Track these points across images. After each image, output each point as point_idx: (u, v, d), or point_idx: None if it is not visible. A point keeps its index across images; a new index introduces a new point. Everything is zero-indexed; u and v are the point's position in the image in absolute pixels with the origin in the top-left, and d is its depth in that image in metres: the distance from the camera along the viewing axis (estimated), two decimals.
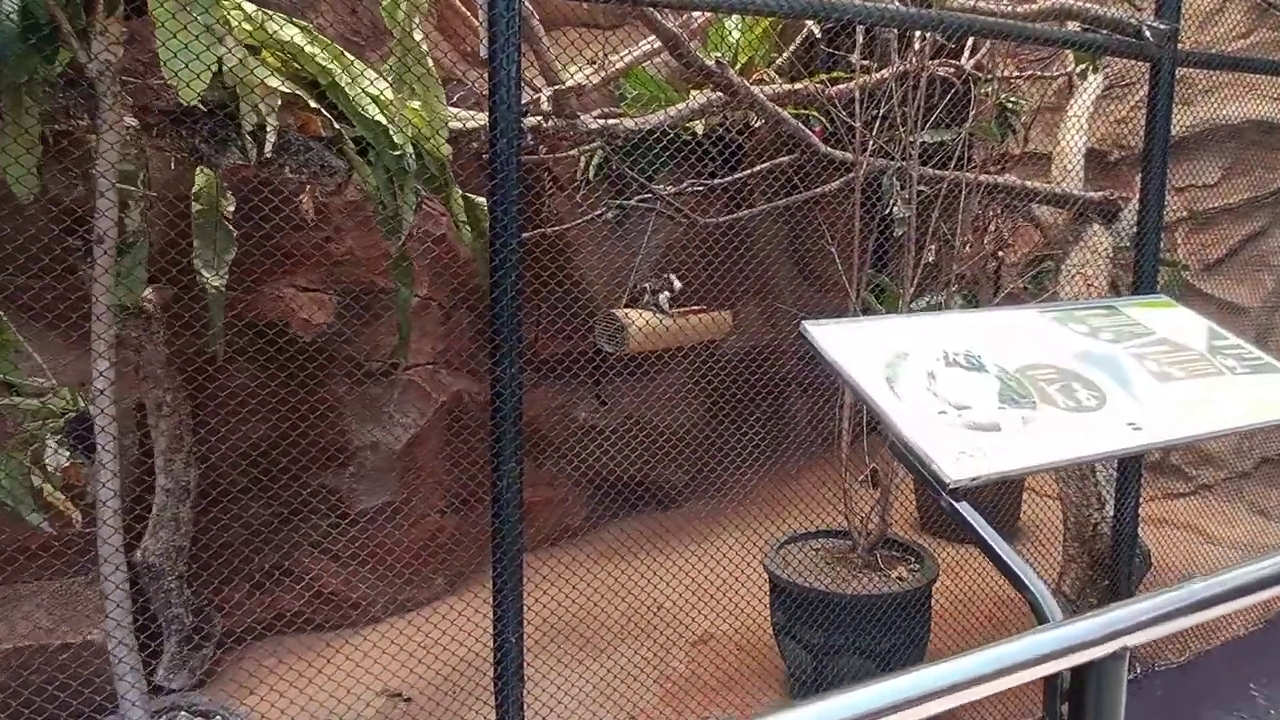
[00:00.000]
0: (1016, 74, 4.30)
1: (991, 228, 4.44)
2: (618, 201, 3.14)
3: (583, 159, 3.83)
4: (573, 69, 3.34)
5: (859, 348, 1.76)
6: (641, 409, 4.48)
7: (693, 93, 3.55)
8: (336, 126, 2.78)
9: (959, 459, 1.47)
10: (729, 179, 3.24)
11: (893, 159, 3.06)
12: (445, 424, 3.89)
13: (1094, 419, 1.67)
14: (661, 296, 3.49)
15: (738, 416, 4.27)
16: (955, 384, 1.68)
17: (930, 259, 3.76)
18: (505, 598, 1.89)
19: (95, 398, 1.92)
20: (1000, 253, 4.64)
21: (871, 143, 3.06)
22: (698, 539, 4.08)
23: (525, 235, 3.12)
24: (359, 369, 3.63)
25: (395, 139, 2.63)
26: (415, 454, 3.80)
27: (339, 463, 3.61)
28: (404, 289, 3.28)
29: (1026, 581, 1.31)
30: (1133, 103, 5.05)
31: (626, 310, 3.44)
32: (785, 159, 3.21)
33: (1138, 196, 3.61)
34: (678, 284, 3.48)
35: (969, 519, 1.41)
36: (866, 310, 3.47)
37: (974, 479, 1.45)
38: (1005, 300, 4.31)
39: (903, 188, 2.95)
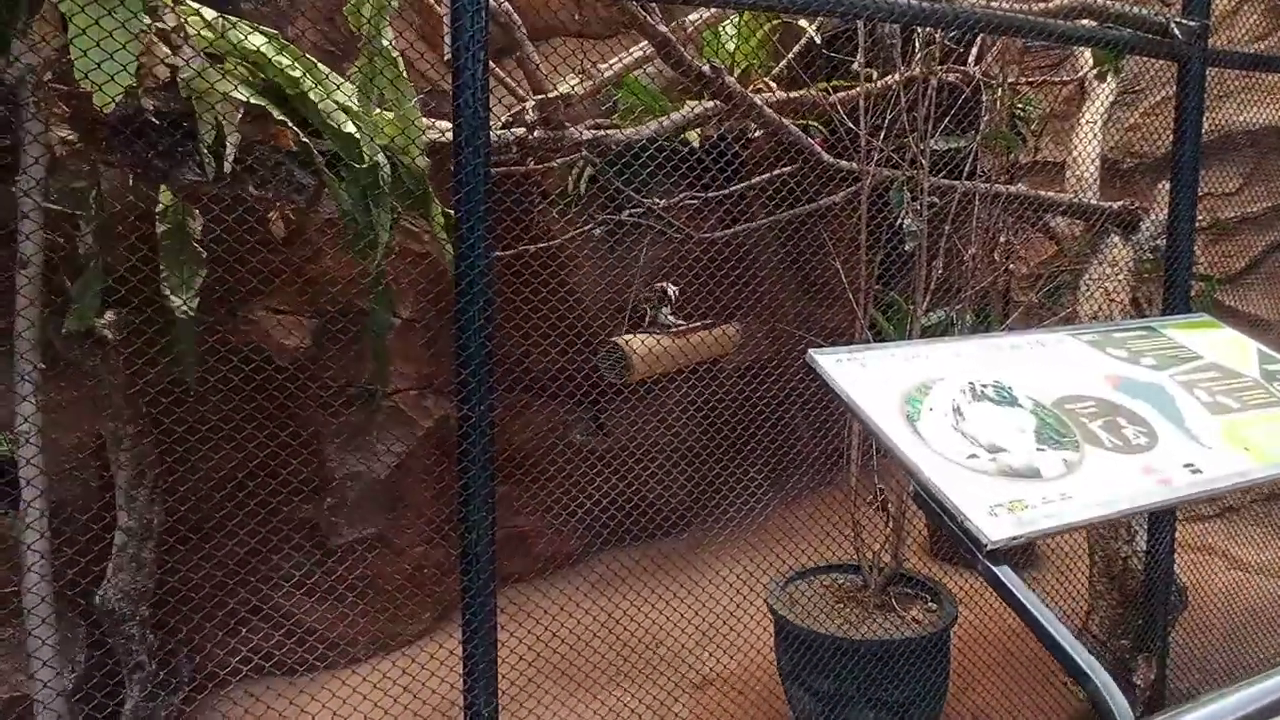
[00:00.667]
0: (1026, 80, 4.09)
1: (1001, 239, 4.23)
2: (603, 216, 2.93)
3: (573, 172, 3.64)
4: (560, 78, 3.14)
5: (873, 379, 1.54)
6: (640, 431, 4.26)
7: (688, 102, 3.36)
8: (304, 140, 2.58)
9: (996, 514, 1.25)
10: (724, 192, 3.02)
11: (900, 168, 2.84)
12: (431, 451, 3.67)
13: (1147, 461, 1.44)
14: (664, 312, 3.27)
15: (740, 438, 4.05)
16: (985, 421, 1.46)
17: (938, 273, 3.55)
18: (477, 663, 1.66)
19: (20, 440, 1.69)
20: (1012, 266, 4.43)
21: (877, 152, 2.84)
22: (699, 570, 3.86)
23: (503, 253, 2.91)
24: (339, 395, 3.41)
25: (367, 151, 2.42)
26: (399, 483, 3.58)
27: (317, 494, 3.39)
28: (380, 311, 3.07)
29: (1087, 670, 1.07)
30: (1143, 109, 4.85)
31: (628, 337, 3.23)
32: (785, 170, 2.99)
33: (1158, 206, 3.41)
34: (672, 290, 3.27)
35: (1011, 588, 1.18)
36: (874, 329, 3.25)
37: (1015, 538, 1.23)
38: (1020, 316, 4.10)
39: (913, 199, 2.73)
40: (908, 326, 3.09)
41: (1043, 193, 3.38)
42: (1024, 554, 4.17)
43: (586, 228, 3.02)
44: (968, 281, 3.03)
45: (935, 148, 2.86)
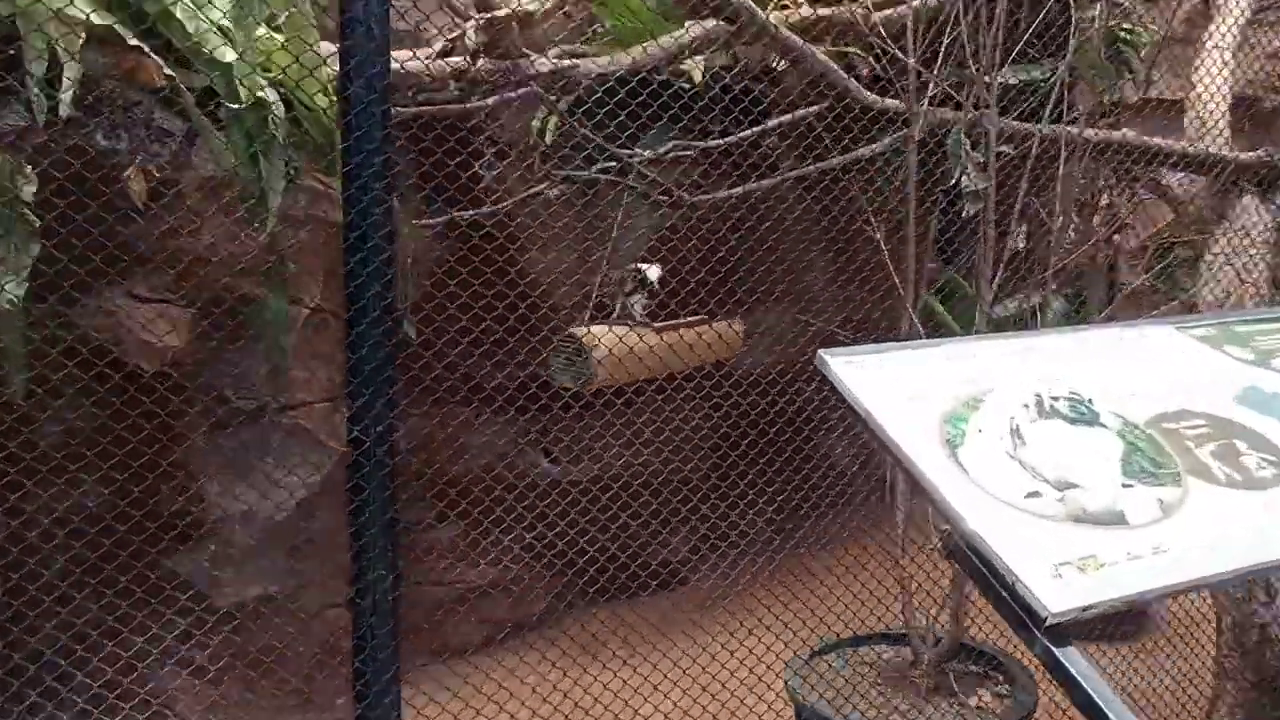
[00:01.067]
0: None
1: (1103, 202, 4.19)
2: (560, 172, 2.90)
3: (539, 116, 3.62)
4: None
5: (905, 390, 1.50)
6: (621, 455, 4.22)
7: (688, 24, 3.33)
8: (169, 72, 2.56)
9: (1061, 574, 1.21)
10: (723, 141, 2.99)
11: (962, 108, 2.81)
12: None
13: (1275, 500, 1.39)
14: (634, 301, 3.24)
15: (754, 465, 4.01)
16: (1054, 446, 1.42)
17: (1020, 246, 3.52)
18: None
19: None
20: (1116, 237, 4.39)
21: (932, 86, 2.81)
22: (696, 637, 3.83)
23: (433, 221, 2.88)
24: (224, 409, 3.38)
25: (249, 85, 2.39)
26: (306, 525, 3.55)
27: (194, 540, 3.35)
28: (276, 298, 3.05)
29: None
30: None
31: (591, 330, 3.19)
32: (808, 110, 2.97)
33: None
34: (654, 273, 3.23)
35: (1078, 678, 1.13)
36: (931, 321, 3.22)
37: (1086, 609, 1.18)
38: (1126, 303, 4.07)
39: (975, 148, 2.70)
40: (974, 318, 3.05)
41: (1153, 140, 3.35)
42: (1129, 617, 4.12)
43: (540, 188, 2.99)
44: (1055, 258, 2.99)
45: (1007, 81, 2.82)
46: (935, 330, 3.22)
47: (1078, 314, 4.17)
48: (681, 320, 3.42)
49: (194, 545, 3.37)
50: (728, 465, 4.35)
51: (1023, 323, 3.35)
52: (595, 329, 3.24)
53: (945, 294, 3.63)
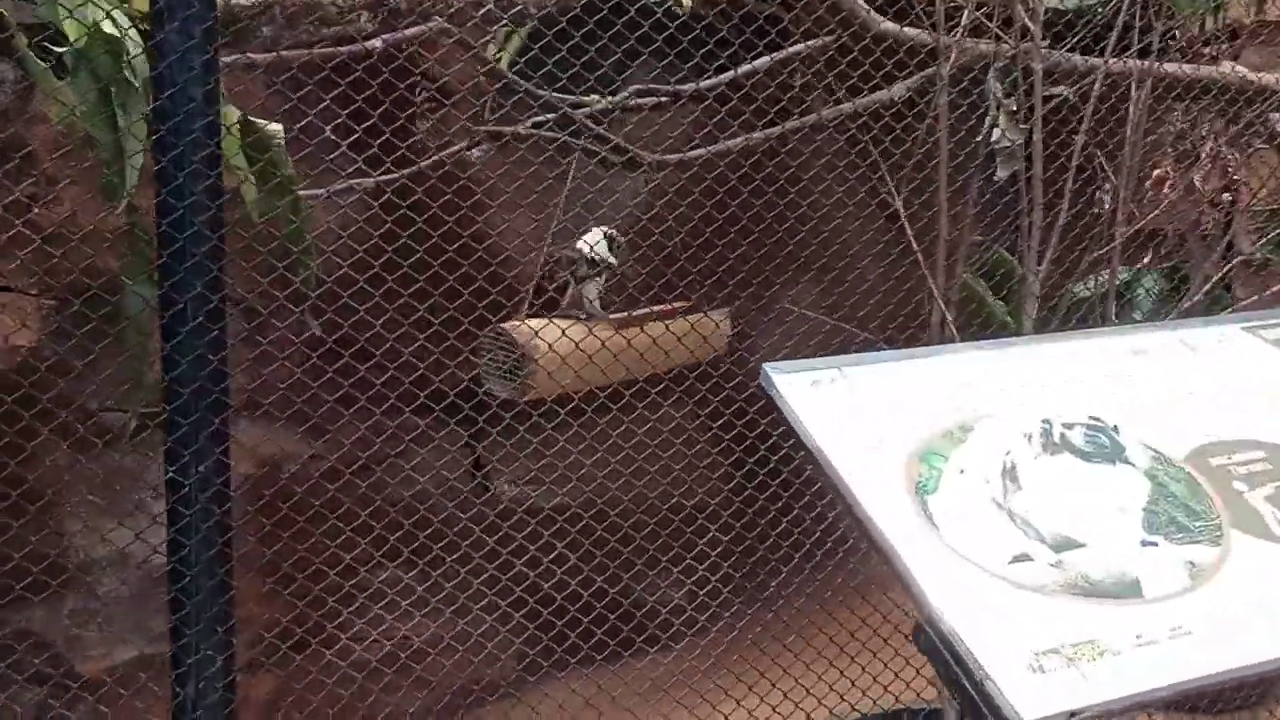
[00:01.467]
0: None
1: (1205, 153, 4.13)
2: (486, 128, 2.90)
3: (492, 51, 3.62)
4: None
5: (871, 417, 1.46)
6: (604, 477, 4.20)
7: None
8: None
9: (1043, 668, 1.18)
10: (670, 88, 2.95)
11: (1000, 41, 2.77)
12: (248, 514, 3.63)
13: None
14: (590, 289, 3.20)
15: (765, 491, 3.99)
16: (1055, 491, 1.39)
17: (1104, 208, 3.48)
18: None
19: None
20: (1227, 195, 4.33)
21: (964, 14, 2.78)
22: (703, 707, 3.79)
23: (317, 192, 2.86)
24: (89, 424, 3.38)
25: (70, 23, 2.38)
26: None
27: (52, 590, 3.35)
28: (138, 285, 3.03)
29: None
30: None
31: (530, 325, 3.17)
32: (801, 46, 2.94)
33: None
34: (600, 243, 3.18)
35: None
36: (972, 308, 3.19)
37: (1073, 715, 1.13)
38: (1240, 279, 4.02)
39: (1010, 92, 2.65)
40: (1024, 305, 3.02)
41: (1259, 75, 3.29)
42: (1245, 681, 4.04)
43: (459, 147, 2.98)
44: (1120, 228, 2.96)
45: (1056, 5, 2.77)
46: (977, 324, 3.18)
47: (1176, 294, 4.10)
48: (646, 311, 3.37)
49: (51, 597, 3.38)
50: (735, 490, 4.31)
51: (1088, 310, 3.31)
52: (536, 324, 3.21)
53: (999, 276, 3.58)
